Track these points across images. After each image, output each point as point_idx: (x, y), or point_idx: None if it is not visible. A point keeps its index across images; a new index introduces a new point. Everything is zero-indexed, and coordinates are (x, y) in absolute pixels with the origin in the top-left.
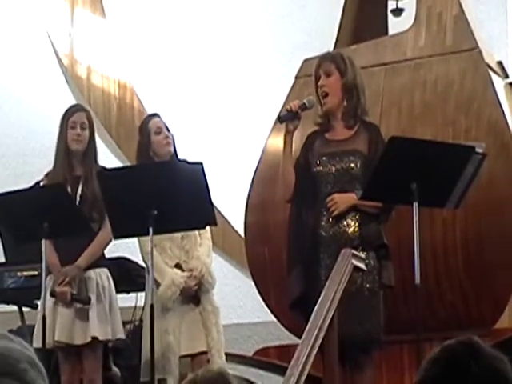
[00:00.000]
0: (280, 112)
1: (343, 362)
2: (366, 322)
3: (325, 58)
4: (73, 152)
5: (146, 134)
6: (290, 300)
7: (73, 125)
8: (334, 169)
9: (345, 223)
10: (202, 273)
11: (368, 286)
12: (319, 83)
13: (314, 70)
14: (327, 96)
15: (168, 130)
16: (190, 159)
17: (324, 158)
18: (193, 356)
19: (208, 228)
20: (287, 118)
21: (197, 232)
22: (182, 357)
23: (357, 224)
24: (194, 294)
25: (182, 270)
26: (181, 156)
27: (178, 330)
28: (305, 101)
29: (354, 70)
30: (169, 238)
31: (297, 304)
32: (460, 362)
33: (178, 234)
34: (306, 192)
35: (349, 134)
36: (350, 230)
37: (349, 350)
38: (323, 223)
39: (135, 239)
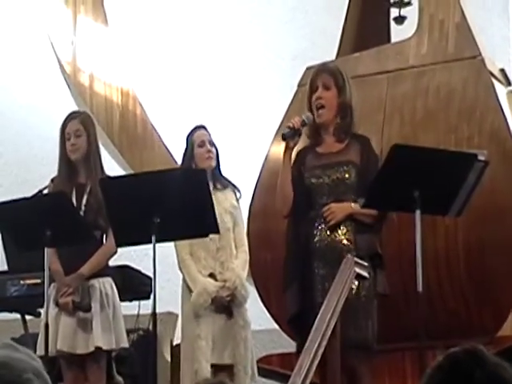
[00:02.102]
0: (282, 129)
1: (342, 370)
2: (363, 328)
3: (323, 69)
4: (74, 161)
5: (190, 146)
6: (287, 316)
7: (68, 136)
8: (328, 180)
9: (340, 232)
10: (236, 285)
11: (364, 293)
12: (317, 94)
13: (311, 80)
14: (323, 108)
15: (212, 144)
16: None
17: (317, 170)
18: (218, 367)
19: (246, 242)
20: (290, 136)
21: (233, 245)
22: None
23: (351, 234)
24: (227, 306)
25: (216, 281)
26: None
27: (211, 338)
28: (304, 117)
29: (350, 88)
30: (204, 248)
31: (294, 320)
32: (464, 369)
33: (214, 246)
34: (300, 205)
35: (340, 146)
36: (345, 239)
37: (345, 356)
38: (318, 233)
39: (138, 247)
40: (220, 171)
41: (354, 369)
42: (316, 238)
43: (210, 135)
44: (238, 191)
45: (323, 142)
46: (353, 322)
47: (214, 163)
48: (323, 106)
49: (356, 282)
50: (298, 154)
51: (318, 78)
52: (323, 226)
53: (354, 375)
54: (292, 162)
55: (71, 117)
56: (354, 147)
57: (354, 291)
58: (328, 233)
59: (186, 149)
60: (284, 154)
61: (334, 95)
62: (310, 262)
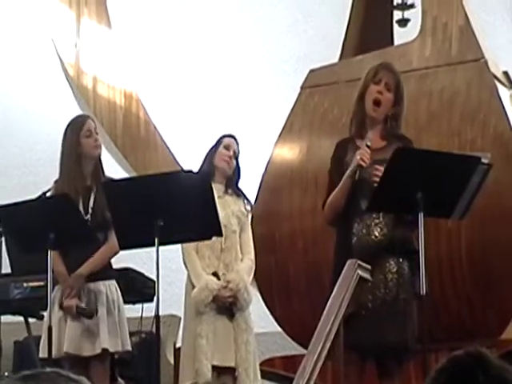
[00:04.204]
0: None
1: (378, 370)
2: (402, 330)
3: (391, 70)
4: (87, 161)
5: (217, 144)
6: None
7: (88, 133)
8: (369, 178)
9: (377, 229)
10: (239, 287)
11: (403, 295)
12: (379, 88)
13: (375, 70)
14: (379, 105)
15: (236, 156)
16: (194, 169)
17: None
18: (219, 369)
19: (252, 251)
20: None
21: (238, 248)
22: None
23: (389, 230)
24: (229, 308)
25: (219, 280)
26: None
27: (212, 337)
28: (368, 143)
29: (404, 102)
30: (209, 247)
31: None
32: (467, 372)
33: (219, 246)
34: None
35: (382, 144)
36: (382, 236)
37: (383, 358)
38: (358, 232)
39: (141, 250)
40: (237, 184)
41: (389, 367)
42: (355, 238)
43: (238, 150)
44: (250, 204)
45: (366, 136)
46: (392, 324)
47: (229, 170)
48: (380, 103)
49: (395, 284)
50: (337, 146)
51: (383, 73)
52: (362, 223)
53: (386, 372)
54: (332, 153)
55: (85, 116)
56: (396, 145)
57: (393, 293)
58: (368, 231)
59: (214, 145)
60: (347, 178)
61: (391, 100)
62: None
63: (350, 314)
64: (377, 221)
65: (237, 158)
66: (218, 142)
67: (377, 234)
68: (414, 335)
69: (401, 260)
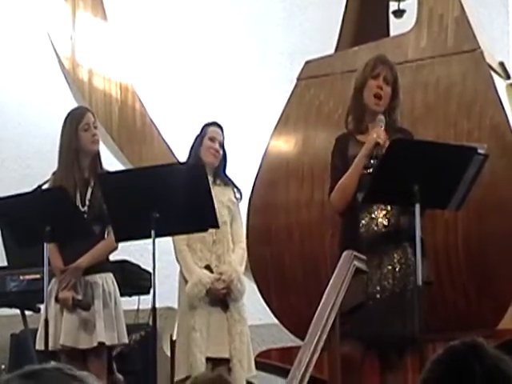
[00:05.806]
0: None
1: (380, 362)
2: (409, 323)
3: (389, 64)
4: (85, 154)
5: (202, 134)
6: (348, 306)
7: (86, 127)
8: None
9: (387, 222)
10: (232, 278)
11: (410, 286)
12: (379, 84)
13: (373, 64)
14: (380, 99)
15: (221, 146)
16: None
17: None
18: (214, 361)
19: (244, 239)
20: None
21: (230, 238)
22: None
23: (395, 216)
24: (223, 299)
25: (212, 273)
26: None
27: (206, 330)
28: (381, 124)
29: (400, 95)
30: (200, 240)
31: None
32: (464, 363)
33: (210, 238)
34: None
35: None
36: (387, 222)
37: (387, 352)
38: (365, 222)
39: (137, 242)
40: (224, 171)
41: (392, 361)
42: (362, 228)
43: (223, 138)
44: (239, 192)
45: (366, 130)
46: (400, 316)
47: (216, 163)
48: (381, 97)
49: (402, 275)
50: (337, 141)
51: (381, 68)
52: (369, 214)
53: (389, 365)
54: (333, 147)
55: (85, 109)
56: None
57: (400, 285)
58: (374, 222)
59: (198, 135)
60: (362, 157)
61: (389, 94)
62: (359, 251)
63: (357, 305)
64: (384, 211)
65: (223, 146)
66: (202, 131)
67: (385, 224)
68: (422, 326)
69: (408, 250)
